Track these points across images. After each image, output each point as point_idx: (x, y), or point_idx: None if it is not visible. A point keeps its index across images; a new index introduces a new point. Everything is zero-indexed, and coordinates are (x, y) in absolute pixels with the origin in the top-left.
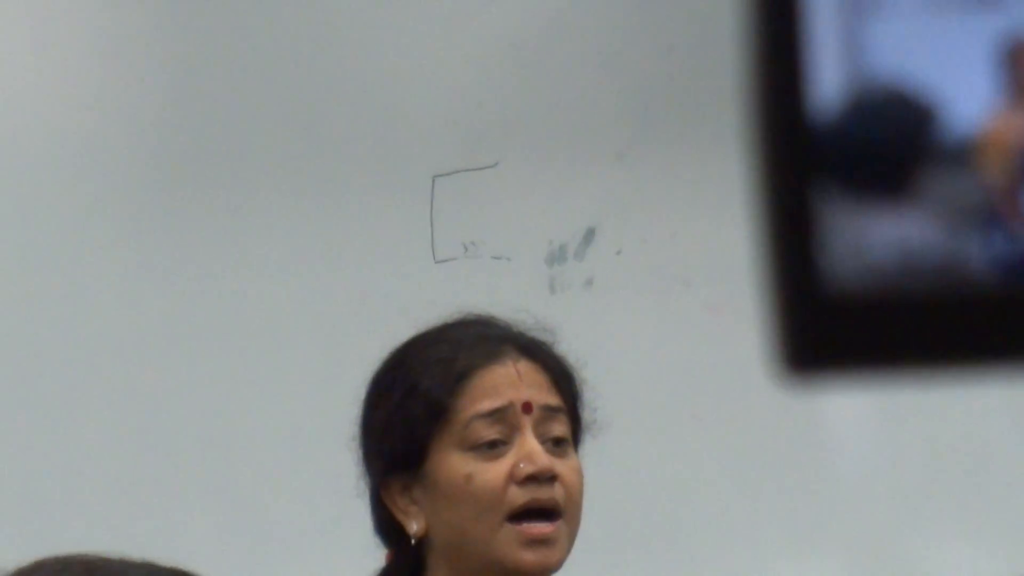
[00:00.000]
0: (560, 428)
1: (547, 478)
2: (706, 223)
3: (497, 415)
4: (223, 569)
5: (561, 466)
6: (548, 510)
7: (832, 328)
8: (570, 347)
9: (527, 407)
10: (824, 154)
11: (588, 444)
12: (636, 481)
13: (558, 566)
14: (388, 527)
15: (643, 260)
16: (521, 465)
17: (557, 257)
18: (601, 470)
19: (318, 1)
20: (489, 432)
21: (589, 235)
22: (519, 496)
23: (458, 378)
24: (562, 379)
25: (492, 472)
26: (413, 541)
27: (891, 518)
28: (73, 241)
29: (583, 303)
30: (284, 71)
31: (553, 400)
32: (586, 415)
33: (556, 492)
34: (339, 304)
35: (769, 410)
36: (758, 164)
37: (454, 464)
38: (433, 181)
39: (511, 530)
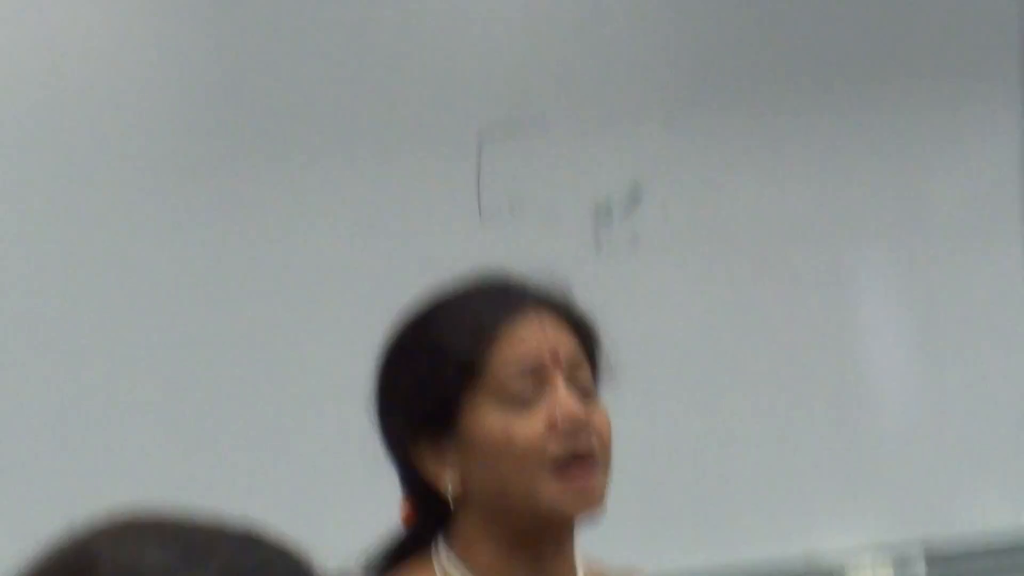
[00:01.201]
0: (586, 377)
1: (583, 426)
2: (751, 183)
3: (528, 368)
4: (254, 508)
5: (592, 414)
6: (586, 458)
7: None
8: (616, 304)
9: (556, 358)
10: None
11: (634, 402)
12: (680, 439)
13: (601, 512)
14: (418, 487)
15: (688, 219)
16: (558, 415)
17: (603, 216)
18: (646, 428)
19: None
20: (521, 385)
21: (635, 194)
22: (557, 446)
23: (485, 335)
24: (582, 329)
25: (529, 424)
26: (452, 501)
27: (934, 467)
28: (123, 195)
29: (629, 261)
30: (332, 30)
31: (577, 350)
32: (604, 363)
33: (591, 440)
34: (384, 260)
35: (815, 366)
36: None
37: (489, 420)
38: (480, 140)
39: (553, 480)
